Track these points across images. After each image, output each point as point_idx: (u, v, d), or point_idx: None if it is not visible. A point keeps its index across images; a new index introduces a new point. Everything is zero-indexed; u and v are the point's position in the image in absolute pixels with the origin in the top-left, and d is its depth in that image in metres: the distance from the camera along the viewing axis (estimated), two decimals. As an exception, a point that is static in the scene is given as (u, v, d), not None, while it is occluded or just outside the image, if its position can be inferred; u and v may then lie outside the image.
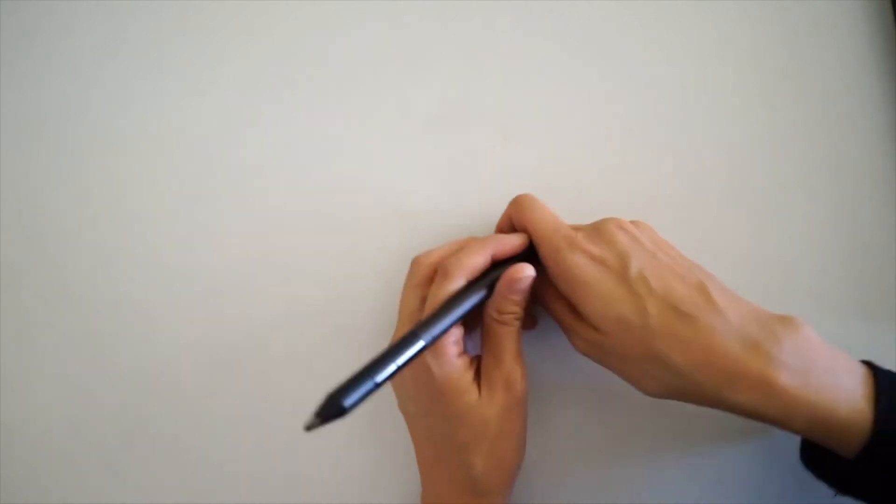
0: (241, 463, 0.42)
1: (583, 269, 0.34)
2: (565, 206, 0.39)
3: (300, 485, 0.40)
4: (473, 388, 0.36)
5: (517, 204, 0.38)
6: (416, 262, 0.38)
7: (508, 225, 0.39)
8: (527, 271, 0.35)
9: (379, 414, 0.40)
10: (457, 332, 0.36)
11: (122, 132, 0.43)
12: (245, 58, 0.43)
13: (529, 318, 0.40)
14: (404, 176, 0.42)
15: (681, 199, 0.42)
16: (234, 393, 0.41)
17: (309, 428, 0.28)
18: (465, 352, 0.36)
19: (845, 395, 0.32)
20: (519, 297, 0.35)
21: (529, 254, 0.37)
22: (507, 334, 0.36)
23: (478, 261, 0.36)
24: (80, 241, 0.42)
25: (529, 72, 0.42)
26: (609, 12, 0.42)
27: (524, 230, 0.37)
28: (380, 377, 0.30)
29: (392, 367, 0.30)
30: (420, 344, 0.32)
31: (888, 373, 0.34)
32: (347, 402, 0.28)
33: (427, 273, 0.37)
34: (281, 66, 0.43)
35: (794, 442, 0.36)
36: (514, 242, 0.37)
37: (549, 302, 0.37)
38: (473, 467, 0.35)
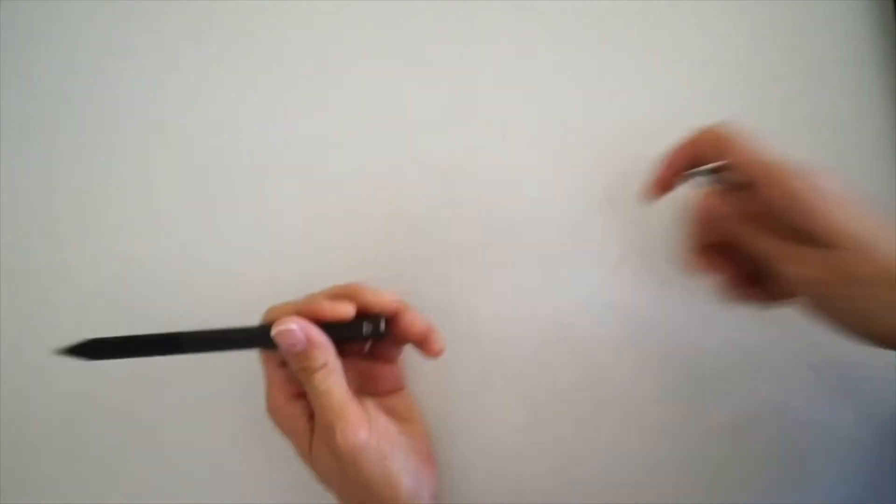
0: (242, 463, 0.42)
1: (814, 179, 0.32)
2: (565, 206, 0.39)
3: (300, 485, 0.40)
4: (307, 437, 0.35)
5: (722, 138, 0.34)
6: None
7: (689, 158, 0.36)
8: (281, 326, 0.34)
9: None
10: (284, 372, 0.36)
11: (121, 132, 0.43)
12: (244, 58, 0.43)
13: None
14: (403, 176, 0.42)
15: (678, 199, 0.42)
16: (235, 393, 0.41)
17: (58, 352, 0.34)
18: (302, 395, 0.36)
19: None
20: (297, 350, 0.34)
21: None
22: (312, 389, 0.34)
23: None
24: (80, 240, 0.42)
25: (529, 72, 0.42)
26: (608, 12, 0.42)
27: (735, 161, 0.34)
28: (131, 350, 0.36)
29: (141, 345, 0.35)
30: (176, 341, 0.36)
31: None
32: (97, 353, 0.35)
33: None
34: (280, 67, 0.43)
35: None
36: (328, 312, 0.35)
37: (758, 241, 0.33)
38: None
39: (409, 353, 0.41)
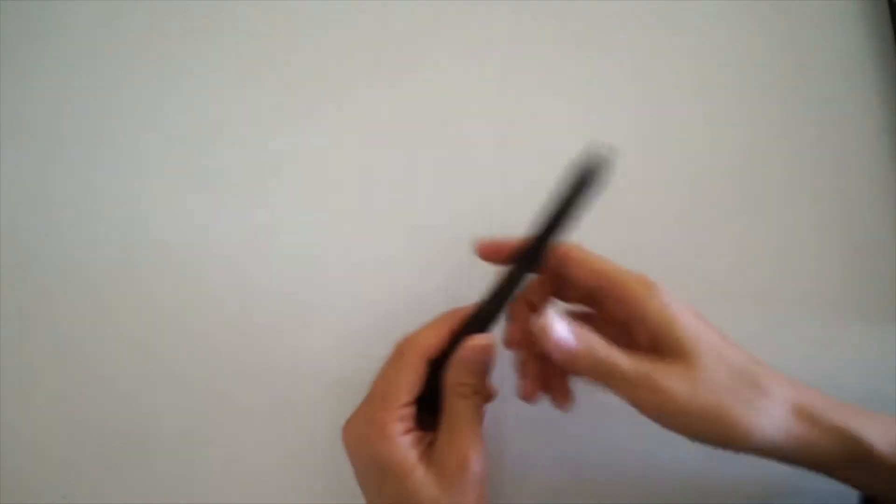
0: (242, 463, 0.42)
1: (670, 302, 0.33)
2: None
3: (300, 485, 0.40)
4: (419, 467, 0.34)
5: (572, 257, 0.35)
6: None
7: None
8: (486, 340, 0.34)
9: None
10: (404, 410, 0.35)
11: (122, 132, 0.43)
12: (244, 60, 0.43)
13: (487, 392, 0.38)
14: (403, 178, 0.42)
15: (680, 199, 0.42)
16: (235, 393, 0.41)
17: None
18: (414, 428, 0.35)
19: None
20: (478, 368, 0.34)
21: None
22: (465, 408, 0.34)
23: (431, 340, 0.35)
24: (81, 240, 0.42)
25: (528, 73, 0.42)
26: (608, 13, 0.42)
27: (587, 278, 0.35)
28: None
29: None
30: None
31: None
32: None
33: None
34: (280, 69, 0.43)
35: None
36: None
37: (610, 358, 0.33)
38: None
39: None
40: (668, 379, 0.32)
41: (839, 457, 0.32)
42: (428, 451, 0.34)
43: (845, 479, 0.33)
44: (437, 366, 0.35)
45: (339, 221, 0.42)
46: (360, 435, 0.35)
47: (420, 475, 0.34)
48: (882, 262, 0.41)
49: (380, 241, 0.42)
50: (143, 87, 0.43)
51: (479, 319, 0.35)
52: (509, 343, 0.37)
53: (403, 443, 0.34)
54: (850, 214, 0.41)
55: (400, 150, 0.42)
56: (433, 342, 0.35)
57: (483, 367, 0.34)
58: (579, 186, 0.33)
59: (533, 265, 0.35)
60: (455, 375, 0.34)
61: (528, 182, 0.42)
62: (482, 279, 0.41)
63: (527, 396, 0.37)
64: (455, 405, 0.34)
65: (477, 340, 0.34)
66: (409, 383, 0.35)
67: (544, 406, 0.42)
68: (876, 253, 0.41)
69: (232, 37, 0.43)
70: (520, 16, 0.42)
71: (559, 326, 0.32)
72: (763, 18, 0.42)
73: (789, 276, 0.41)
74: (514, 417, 0.41)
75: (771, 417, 0.32)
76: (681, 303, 0.33)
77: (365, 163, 0.42)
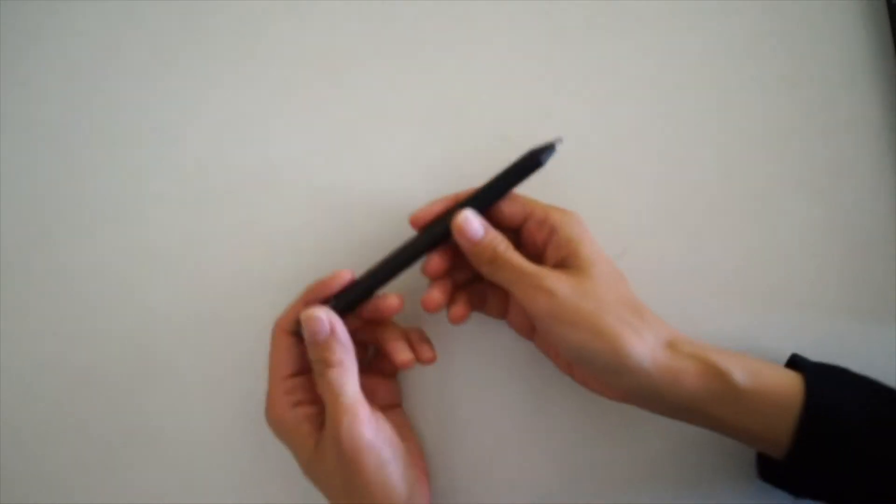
0: (243, 463, 0.42)
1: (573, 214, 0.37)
2: (564, 206, 0.39)
3: (300, 484, 0.40)
4: (311, 440, 0.35)
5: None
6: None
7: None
8: (314, 312, 0.35)
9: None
10: (287, 384, 0.36)
11: (121, 132, 0.43)
12: (243, 58, 0.43)
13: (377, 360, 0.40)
14: (403, 177, 0.42)
15: (679, 199, 0.42)
16: (236, 393, 0.41)
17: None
18: (307, 402, 0.36)
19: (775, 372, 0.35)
20: (312, 339, 0.35)
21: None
22: (326, 383, 0.35)
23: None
24: (81, 240, 0.43)
25: (528, 72, 0.42)
26: (607, 13, 0.42)
27: (515, 210, 0.37)
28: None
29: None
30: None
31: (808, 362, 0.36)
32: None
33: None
34: (279, 67, 0.43)
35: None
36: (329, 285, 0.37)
37: (507, 252, 0.36)
38: None
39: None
40: (559, 282, 0.34)
41: (704, 391, 0.33)
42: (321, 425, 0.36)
43: (716, 422, 0.34)
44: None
45: (338, 219, 0.42)
46: (266, 415, 0.37)
47: (309, 448, 0.35)
48: (882, 262, 0.41)
49: (378, 241, 0.42)
50: (143, 87, 0.43)
51: (364, 282, 0.37)
52: (427, 271, 0.38)
53: (293, 417, 0.36)
54: (850, 214, 0.41)
55: (401, 148, 0.42)
56: (290, 314, 0.37)
57: (316, 337, 0.35)
58: (522, 168, 0.36)
59: (440, 237, 0.37)
60: (308, 351, 0.35)
61: (529, 181, 0.42)
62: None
63: (427, 305, 0.38)
64: (317, 381, 0.35)
65: (305, 312, 0.35)
66: (280, 357, 0.36)
67: (544, 406, 0.42)
68: (876, 253, 0.41)
69: (230, 37, 0.43)
70: (519, 16, 0.42)
71: (474, 221, 0.36)
72: (762, 18, 0.42)
73: (789, 276, 0.41)
74: (513, 417, 0.41)
75: (646, 343, 0.34)
76: (594, 238, 0.36)
77: (364, 162, 0.42)
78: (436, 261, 0.37)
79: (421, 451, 0.40)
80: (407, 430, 0.40)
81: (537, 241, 0.37)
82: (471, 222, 0.35)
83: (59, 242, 0.43)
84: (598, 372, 0.35)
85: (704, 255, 0.42)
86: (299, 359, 0.37)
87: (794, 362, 0.37)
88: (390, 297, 0.37)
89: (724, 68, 0.42)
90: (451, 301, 0.38)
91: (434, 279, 0.38)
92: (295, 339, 0.37)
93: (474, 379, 0.41)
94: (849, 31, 0.42)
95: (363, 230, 0.42)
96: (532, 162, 0.36)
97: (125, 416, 0.42)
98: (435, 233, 0.37)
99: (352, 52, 0.43)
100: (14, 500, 0.42)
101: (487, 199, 0.37)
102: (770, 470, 0.37)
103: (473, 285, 0.39)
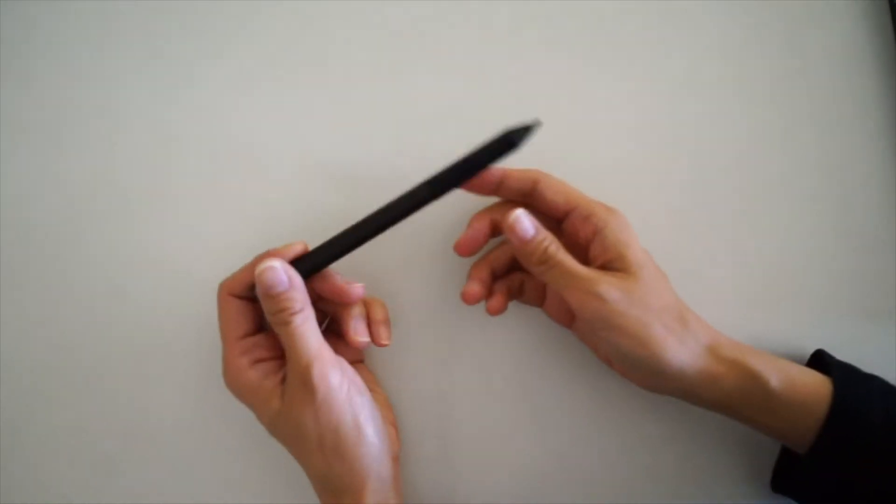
0: (242, 462, 0.42)
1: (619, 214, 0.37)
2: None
3: (300, 484, 0.40)
4: (276, 394, 0.35)
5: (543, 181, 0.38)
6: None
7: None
8: (265, 264, 0.35)
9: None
10: (242, 344, 0.36)
11: (122, 131, 0.43)
12: (244, 57, 0.43)
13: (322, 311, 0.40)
14: (403, 176, 0.42)
15: (679, 198, 0.42)
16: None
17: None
18: (267, 358, 0.37)
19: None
20: (265, 292, 0.35)
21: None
22: (290, 333, 0.35)
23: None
24: (81, 240, 0.42)
25: (529, 72, 0.42)
26: (608, 12, 0.42)
27: (557, 200, 0.37)
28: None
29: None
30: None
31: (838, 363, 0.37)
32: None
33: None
34: (279, 66, 0.43)
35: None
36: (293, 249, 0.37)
37: (558, 254, 0.36)
38: (314, 467, 0.35)
39: (411, 355, 0.41)
40: (607, 286, 0.35)
41: (739, 393, 0.35)
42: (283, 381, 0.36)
43: (747, 419, 0.36)
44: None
45: (338, 218, 0.42)
46: (225, 378, 0.37)
47: (276, 404, 0.35)
48: (882, 262, 0.41)
49: (378, 240, 0.42)
50: (142, 86, 0.43)
51: (325, 248, 0.36)
52: (459, 248, 0.39)
53: (253, 375, 0.36)
54: (850, 214, 0.41)
55: (401, 147, 0.42)
56: (238, 277, 0.36)
57: (274, 290, 0.34)
58: (494, 148, 0.34)
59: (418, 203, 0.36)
60: (265, 306, 0.35)
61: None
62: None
63: (467, 298, 0.39)
64: (280, 332, 0.35)
65: (262, 265, 0.35)
66: (231, 319, 0.36)
67: (539, 404, 0.42)
68: (876, 253, 0.41)
69: (231, 35, 0.43)
70: (518, 16, 0.42)
71: (525, 220, 0.36)
72: (763, 18, 0.42)
73: (789, 276, 0.41)
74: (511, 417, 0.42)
75: (687, 348, 0.35)
76: (637, 236, 0.37)
77: (364, 161, 0.42)
78: (466, 238, 0.38)
79: (388, 403, 0.41)
80: (373, 383, 0.41)
81: (580, 236, 0.37)
82: (521, 221, 0.36)
83: (59, 242, 0.42)
84: (641, 373, 0.36)
85: (704, 255, 0.42)
86: (252, 319, 0.37)
87: (821, 358, 0.38)
88: (356, 286, 0.37)
89: (725, 68, 0.42)
90: (489, 293, 0.39)
91: (464, 255, 0.39)
92: (244, 302, 0.37)
93: (474, 376, 0.41)
94: (850, 31, 0.42)
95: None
96: (505, 143, 0.34)
97: (125, 416, 0.42)
98: (394, 210, 0.36)
99: (351, 51, 0.43)
100: (14, 500, 0.42)
101: (452, 179, 0.35)
102: (784, 480, 0.38)
103: (511, 274, 0.40)
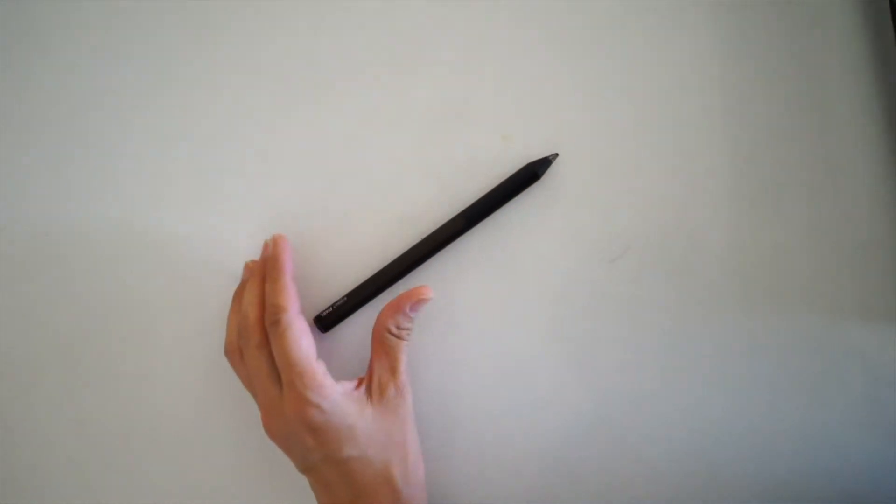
0: (242, 462, 0.42)
1: None
2: (563, 206, 0.39)
3: (299, 483, 0.40)
4: (368, 403, 0.38)
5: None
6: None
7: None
8: (430, 293, 0.38)
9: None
10: (323, 365, 0.37)
11: (121, 131, 0.43)
12: (244, 58, 0.43)
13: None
14: (403, 176, 0.42)
15: (678, 198, 0.42)
16: (236, 392, 0.41)
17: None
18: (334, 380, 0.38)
19: None
20: (415, 315, 0.38)
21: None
22: (403, 348, 0.38)
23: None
24: (81, 240, 0.42)
25: (529, 72, 0.42)
26: (606, 12, 0.42)
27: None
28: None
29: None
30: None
31: None
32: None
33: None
34: (279, 67, 0.43)
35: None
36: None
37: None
38: (394, 479, 0.37)
39: (412, 354, 0.41)
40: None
41: None
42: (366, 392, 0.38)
43: None
44: None
45: (338, 219, 0.42)
46: (323, 405, 0.36)
47: (369, 411, 0.37)
48: (882, 261, 0.41)
49: (379, 240, 0.42)
50: (142, 86, 0.43)
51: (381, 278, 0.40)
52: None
53: (344, 388, 0.37)
54: (850, 214, 0.41)
55: (401, 147, 0.42)
56: (289, 294, 0.38)
57: (422, 305, 0.38)
58: (521, 180, 0.40)
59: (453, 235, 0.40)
60: (399, 320, 0.38)
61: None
62: (480, 280, 0.41)
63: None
64: (395, 345, 0.38)
65: (425, 293, 0.38)
66: (310, 339, 0.37)
67: (538, 402, 0.42)
68: (876, 253, 0.41)
69: (232, 38, 0.43)
70: (517, 17, 0.42)
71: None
72: (763, 18, 0.42)
73: (789, 275, 0.41)
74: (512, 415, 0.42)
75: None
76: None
77: (364, 161, 0.42)
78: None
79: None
80: None
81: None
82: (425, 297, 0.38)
83: (59, 242, 0.42)
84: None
85: (704, 255, 0.42)
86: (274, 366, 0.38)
87: None
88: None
89: (725, 68, 0.42)
90: None
91: None
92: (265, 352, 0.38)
93: (474, 375, 0.42)
94: (850, 31, 0.42)
95: (361, 231, 0.42)
96: (529, 175, 0.39)
97: (125, 416, 0.42)
98: (435, 240, 0.40)
99: (351, 54, 0.43)
100: (14, 500, 0.42)
101: (485, 210, 0.40)
102: None
103: None
